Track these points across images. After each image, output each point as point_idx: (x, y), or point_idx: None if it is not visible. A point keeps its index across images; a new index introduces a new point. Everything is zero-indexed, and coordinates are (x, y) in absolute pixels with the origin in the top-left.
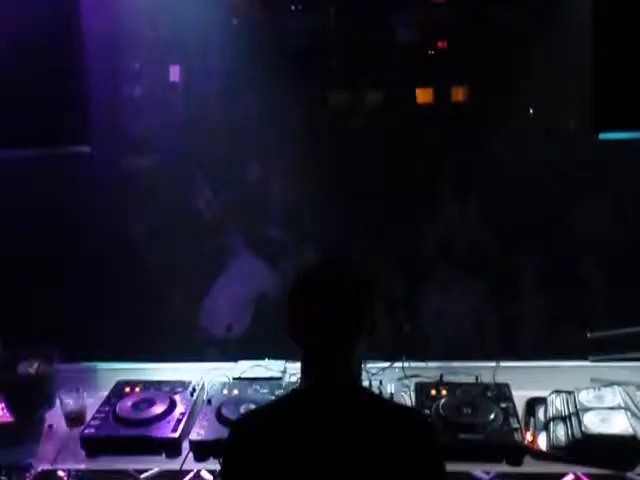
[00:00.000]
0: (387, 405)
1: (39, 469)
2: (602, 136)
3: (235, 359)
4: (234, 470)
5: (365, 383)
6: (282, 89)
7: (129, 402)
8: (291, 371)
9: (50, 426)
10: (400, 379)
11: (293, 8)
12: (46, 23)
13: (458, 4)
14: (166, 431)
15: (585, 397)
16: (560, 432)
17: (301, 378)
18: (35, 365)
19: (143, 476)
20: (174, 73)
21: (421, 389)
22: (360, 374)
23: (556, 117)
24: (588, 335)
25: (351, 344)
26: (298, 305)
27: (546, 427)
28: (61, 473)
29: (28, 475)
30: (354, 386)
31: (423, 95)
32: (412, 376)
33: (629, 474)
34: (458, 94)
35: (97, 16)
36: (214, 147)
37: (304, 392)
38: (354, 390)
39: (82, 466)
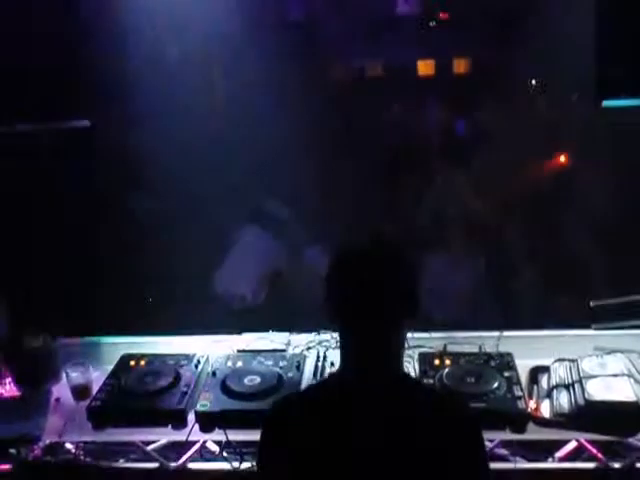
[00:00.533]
0: (428, 399)
1: (47, 442)
2: (605, 103)
3: (239, 331)
4: (271, 450)
5: None
6: (281, 61)
7: (135, 375)
8: (295, 343)
9: (57, 399)
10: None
11: None
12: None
13: None
14: (172, 403)
15: (588, 365)
16: (563, 399)
17: (342, 361)
18: (41, 340)
19: (150, 448)
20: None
21: (425, 359)
22: (402, 359)
23: (559, 86)
24: (591, 304)
25: (397, 328)
26: (341, 288)
27: (549, 395)
28: (68, 445)
29: (36, 448)
30: (396, 376)
31: (424, 67)
32: (416, 347)
33: (631, 440)
34: (460, 66)
35: None
36: (217, 120)
37: (346, 379)
38: (396, 381)
39: (89, 438)
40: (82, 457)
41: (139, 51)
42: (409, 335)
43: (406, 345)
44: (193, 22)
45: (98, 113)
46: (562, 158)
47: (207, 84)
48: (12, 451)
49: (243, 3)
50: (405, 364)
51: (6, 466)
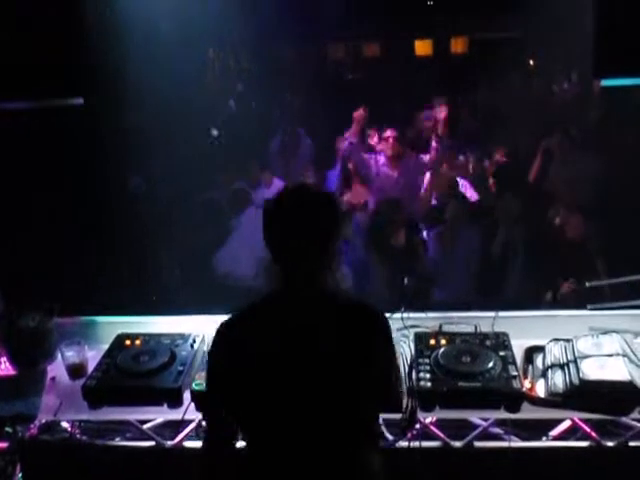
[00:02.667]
0: (343, 301)
1: (42, 420)
2: (604, 82)
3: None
4: (218, 367)
5: None
6: (280, 42)
7: (130, 354)
8: None
9: (52, 378)
10: (400, 329)
11: None
12: None
13: None
14: (167, 382)
15: (583, 345)
16: (558, 379)
17: (275, 282)
18: (36, 319)
19: (146, 426)
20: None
21: (420, 339)
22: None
23: (559, 67)
24: (587, 284)
25: (318, 256)
26: (273, 220)
27: (544, 374)
28: (64, 424)
29: (32, 426)
30: (318, 289)
31: (422, 47)
32: (412, 326)
33: (625, 419)
34: (457, 45)
35: None
36: (215, 100)
37: (276, 295)
38: (318, 293)
39: (85, 417)
40: (78, 436)
41: (137, 33)
42: (405, 315)
43: (334, 265)
44: (188, 8)
45: (93, 92)
46: (559, 138)
47: (202, 65)
48: (8, 430)
49: None
50: (401, 343)
51: (2, 444)
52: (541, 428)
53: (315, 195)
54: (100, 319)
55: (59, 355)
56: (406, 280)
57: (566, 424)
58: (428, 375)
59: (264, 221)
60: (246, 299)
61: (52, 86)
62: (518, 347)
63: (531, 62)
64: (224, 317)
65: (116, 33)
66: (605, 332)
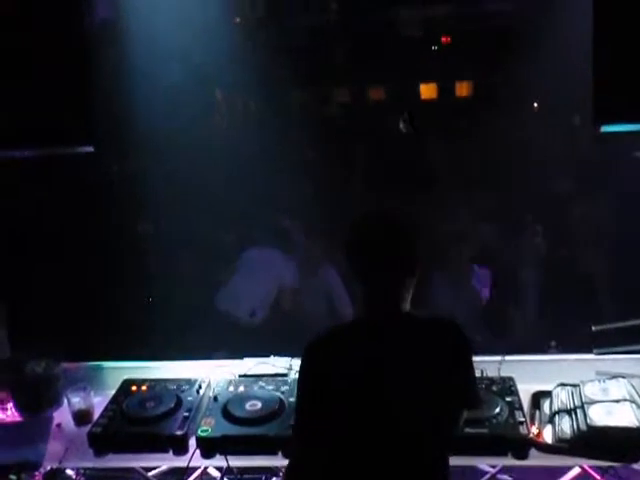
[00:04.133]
0: (427, 320)
1: (48, 467)
2: (604, 129)
3: (241, 356)
4: (308, 374)
5: None
6: (285, 85)
7: (136, 400)
8: (296, 368)
9: (58, 425)
10: None
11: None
12: (50, 23)
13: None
14: (173, 428)
15: (590, 390)
16: (565, 425)
17: (359, 307)
18: (42, 364)
19: (151, 474)
20: (178, 71)
21: None
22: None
23: (561, 111)
24: (592, 328)
25: (405, 281)
26: (357, 246)
27: (551, 420)
28: (69, 471)
29: (37, 473)
30: (403, 313)
31: (427, 91)
32: None
33: (635, 466)
34: (462, 89)
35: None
36: (220, 144)
37: (365, 320)
38: (403, 316)
39: (90, 464)
40: None
41: (142, 77)
42: None
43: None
44: (194, 48)
45: (101, 139)
46: (563, 180)
47: (209, 107)
48: (13, 477)
49: (246, 28)
50: None
51: None
52: (550, 475)
53: (396, 224)
54: (106, 364)
55: (65, 401)
56: None
57: (575, 471)
58: None
59: (346, 250)
60: (245, 337)
61: (62, 134)
62: (525, 392)
63: (535, 105)
64: (230, 362)
65: (124, 78)
66: (612, 377)
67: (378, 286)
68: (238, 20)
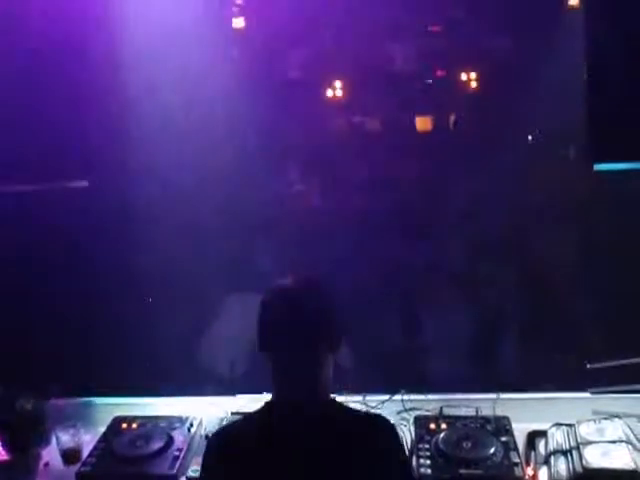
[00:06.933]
0: (353, 414)
1: None
2: (597, 167)
3: (233, 393)
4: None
5: None
6: (281, 117)
7: (126, 438)
8: None
9: (46, 464)
10: (400, 412)
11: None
12: (49, 55)
13: (456, 33)
14: (163, 468)
15: (586, 430)
16: (561, 466)
17: (273, 390)
18: (31, 402)
19: None
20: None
21: (420, 423)
22: (329, 387)
23: (555, 146)
24: (587, 366)
25: (318, 360)
26: (267, 322)
27: (547, 461)
28: None
29: None
30: (323, 400)
31: (422, 123)
32: (411, 409)
33: None
34: (455, 121)
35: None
36: (220, 177)
37: (274, 405)
38: (323, 403)
39: None
40: None
41: (138, 109)
42: (405, 397)
43: (330, 376)
44: (191, 79)
45: (95, 173)
46: (557, 217)
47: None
48: None
49: (244, 61)
50: (401, 427)
51: None
52: None
53: (302, 296)
54: (97, 400)
55: (54, 439)
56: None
57: None
58: (428, 461)
59: (259, 324)
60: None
61: (56, 169)
62: (520, 431)
63: (530, 137)
64: (222, 399)
65: (120, 112)
66: (608, 417)
67: (289, 367)
68: (235, 52)
